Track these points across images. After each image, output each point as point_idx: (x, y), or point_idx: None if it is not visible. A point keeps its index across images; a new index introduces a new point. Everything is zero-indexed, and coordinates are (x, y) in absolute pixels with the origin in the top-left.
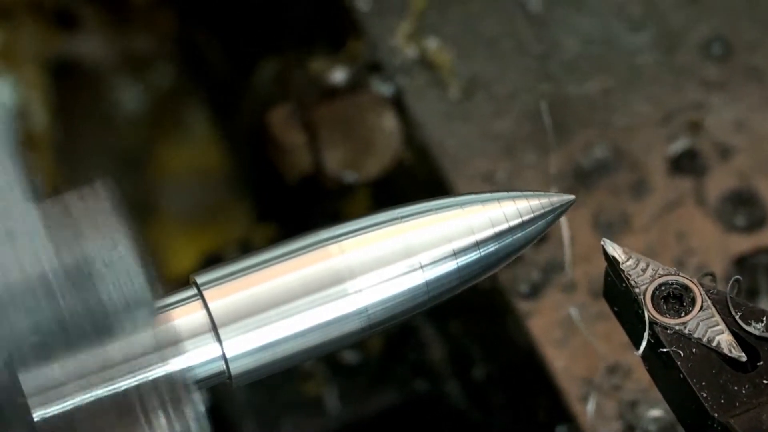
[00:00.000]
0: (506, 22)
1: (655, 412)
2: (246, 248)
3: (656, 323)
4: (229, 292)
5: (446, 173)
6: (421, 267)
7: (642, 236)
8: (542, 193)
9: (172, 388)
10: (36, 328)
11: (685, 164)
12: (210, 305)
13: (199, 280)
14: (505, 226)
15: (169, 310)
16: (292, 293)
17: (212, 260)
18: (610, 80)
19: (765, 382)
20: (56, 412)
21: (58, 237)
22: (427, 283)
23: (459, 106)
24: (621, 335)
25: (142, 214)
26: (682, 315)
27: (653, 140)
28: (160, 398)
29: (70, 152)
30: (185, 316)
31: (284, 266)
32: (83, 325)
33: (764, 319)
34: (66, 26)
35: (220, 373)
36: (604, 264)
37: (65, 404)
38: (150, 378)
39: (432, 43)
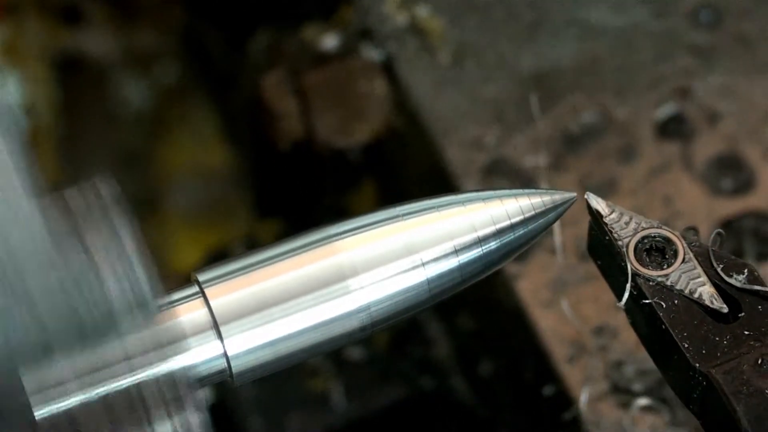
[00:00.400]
0: None
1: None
2: (251, 244)
3: (639, 275)
4: (231, 289)
5: (436, 138)
6: (423, 264)
7: (629, 200)
8: (544, 190)
9: (173, 386)
10: (37, 326)
11: (673, 129)
12: (212, 303)
13: (201, 277)
14: (506, 223)
15: (170, 307)
16: (294, 291)
17: (217, 257)
18: (599, 46)
19: (746, 333)
20: (58, 411)
21: (60, 234)
22: (429, 281)
23: (449, 72)
24: (608, 297)
25: (146, 210)
26: (665, 267)
27: (641, 105)
28: (161, 396)
29: (74, 148)
30: (187, 313)
31: (286, 264)
32: (84, 322)
33: (746, 271)
34: (71, 22)
35: (221, 371)
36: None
37: (67, 402)
38: (152, 376)
39: (422, 10)
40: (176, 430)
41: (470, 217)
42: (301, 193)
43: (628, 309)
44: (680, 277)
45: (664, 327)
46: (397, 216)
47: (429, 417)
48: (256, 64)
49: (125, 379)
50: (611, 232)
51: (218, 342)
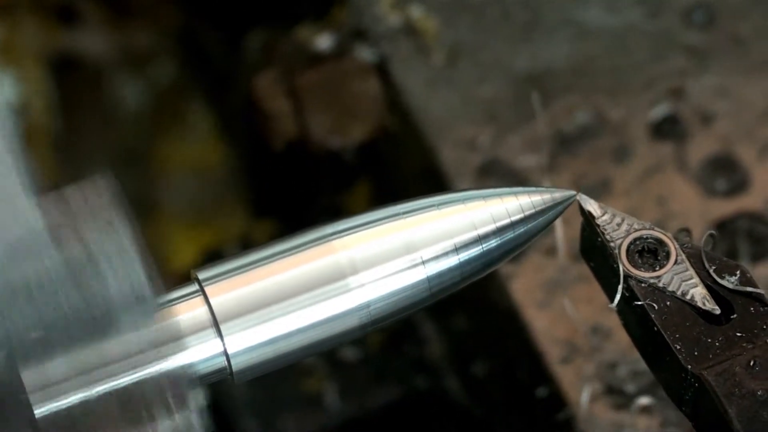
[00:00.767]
0: None
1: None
2: (246, 244)
3: (631, 277)
4: (231, 287)
5: (430, 139)
6: (423, 262)
7: (623, 200)
8: (544, 188)
9: (173, 384)
10: (37, 324)
11: (667, 129)
12: (211, 301)
13: (201, 275)
14: (506, 221)
15: (170, 306)
16: (294, 289)
17: (212, 256)
18: (593, 47)
19: (738, 334)
20: (58, 408)
21: (59, 232)
22: (429, 279)
23: (443, 72)
24: (602, 298)
25: (142, 210)
26: (657, 269)
27: (635, 106)
28: (161, 394)
29: (70, 148)
30: (187, 312)
31: (286, 262)
32: (84, 320)
33: (738, 272)
34: (67, 21)
35: (221, 369)
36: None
37: (67, 400)
38: (151, 374)
39: (416, 11)
40: (176, 428)
41: (470, 216)
42: (295, 193)
43: (621, 310)
44: (672, 278)
45: (656, 329)
46: (397, 214)
47: (424, 417)
48: (251, 64)
49: (125, 377)
50: (603, 234)
51: (218, 340)
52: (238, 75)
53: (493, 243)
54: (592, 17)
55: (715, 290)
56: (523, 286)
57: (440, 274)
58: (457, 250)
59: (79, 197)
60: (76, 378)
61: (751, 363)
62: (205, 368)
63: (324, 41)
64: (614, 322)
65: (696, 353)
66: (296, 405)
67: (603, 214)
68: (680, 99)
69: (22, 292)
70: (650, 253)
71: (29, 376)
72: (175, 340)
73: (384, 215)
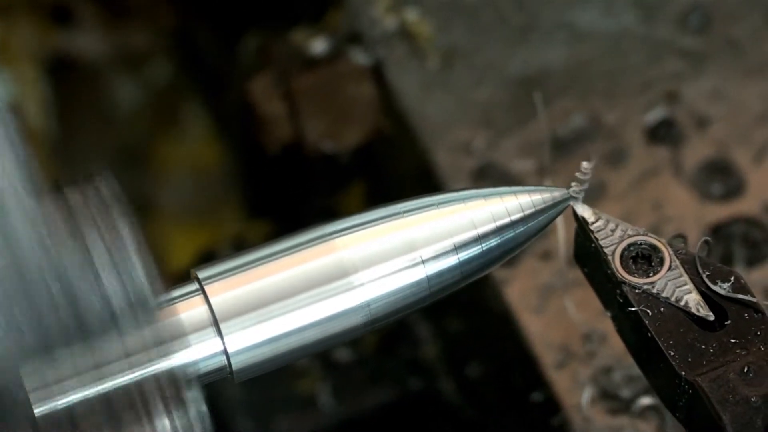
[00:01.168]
0: None
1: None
2: (241, 245)
3: (625, 283)
4: (231, 286)
5: (425, 142)
6: (423, 261)
7: (618, 205)
8: (544, 187)
9: (173, 383)
10: (38, 324)
11: (662, 133)
12: (211, 300)
13: (201, 274)
14: (506, 221)
15: (170, 305)
16: (294, 288)
17: (207, 257)
18: (588, 50)
19: (732, 341)
20: (58, 408)
21: (59, 232)
22: (429, 278)
23: (438, 76)
24: (597, 302)
25: (138, 210)
26: (651, 275)
27: (630, 110)
28: (161, 393)
29: (65, 148)
30: (187, 311)
31: (286, 260)
32: (85, 320)
33: (732, 279)
34: (62, 22)
35: (221, 368)
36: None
37: (67, 400)
38: (151, 373)
39: (411, 14)
40: (176, 427)
41: (470, 215)
42: (290, 195)
43: (615, 316)
44: (666, 284)
45: (650, 335)
46: (397, 213)
47: (418, 418)
48: (247, 67)
49: (125, 376)
50: (597, 240)
51: (218, 339)
52: (233, 77)
53: (492, 242)
54: (587, 21)
55: (709, 296)
56: (518, 290)
57: (440, 274)
58: (456, 249)
59: (79, 197)
60: (76, 377)
61: (745, 369)
62: (205, 367)
63: (319, 45)
64: (609, 327)
65: (690, 359)
66: (290, 406)
67: (597, 220)
68: (676, 103)
69: (21, 291)
70: (644, 259)
71: (29, 376)
72: (175, 339)
73: (383, 214)
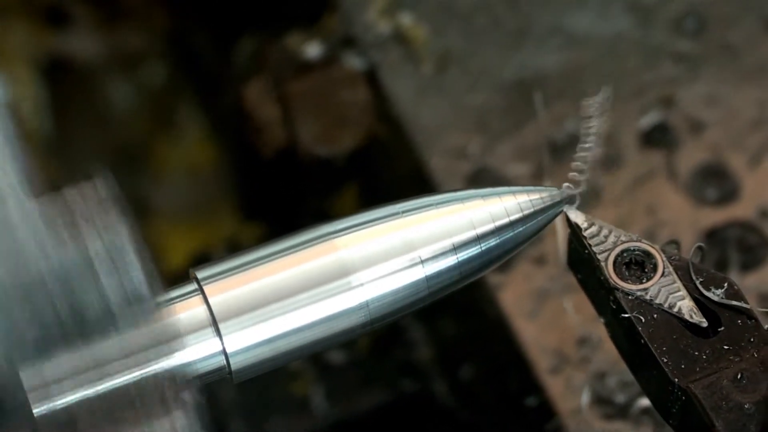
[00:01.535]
0: None
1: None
2: (234, 247)
3: (618, 289)
4: (230, 287)
5: (419, 147)
6: (422, 262)
7: (613, 209)
8: (543, 187)
9: (172, 383)
10: (37, 324)
11: (657, 138)
12: (210, 300)
13: (200, 275)
14: (505, 221)
15: (169, 305)
16: (293, 288)
17: (201, 258)
18: (583, 55)
19: (725, 347)
20: (57, 407)
21: (58, 232)
22: (428, 278)
23: (432, 80)
24: (591, 307)
25: (133, 211)
26: (644, 281)
27: (625, 114)
28: (160, 393)
29: (60, 150)
30: (185, 311)
31: (284, 261)
32: (83, 320)
33: (725, 285)
34: (57, 23)
35: (220, 369)
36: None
37: (66, 399)
38: (150, 373)
39: (406, 19)
40: (175, 427)
41: (469, 215)
42: (284, 198)
43: (608, 323)
44: (660, 291)
45: (643, 341)
46: (396, 213)
47: (411, 421)
48: (241, 71)
49: (124, 376)
50: (590, 246)
51: (217, 339)
52: (228, 80)
53: (491, 242)
54: (582, 25)
55: (702, 303)
56: (512, 295)
57: (439, 274)
58: (455, 249)
59: (78, 197)
60: (74, 377)
61: (738, 376)
62: (203, 367)
63: (313, 49)
64: (604, 331)
65: (683, 366)
66: (284, 408)
67: (590, 226)
68: (670, 107)
69: (20, 291)
70: (637, 265)
71: (28, 376)
72: (173, 339)
73: (382, 214)
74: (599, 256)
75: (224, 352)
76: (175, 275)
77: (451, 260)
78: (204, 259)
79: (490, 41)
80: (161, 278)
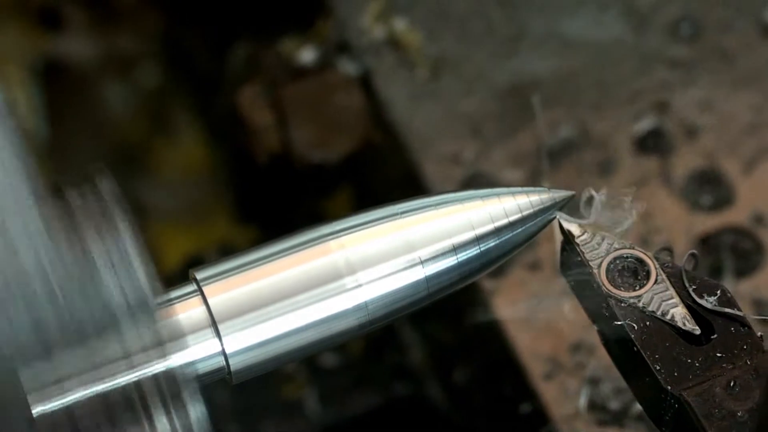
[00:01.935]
0: (475, 3)
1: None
2: (227, 250)
3: (611, 296)
4: (229, 287)
5: (413, 152)
6: (421, 262)
7: None
8: (542, 188)
9: (172, 384)
10: (36, 324)
11: (652, 143)
12: (209, 301)
13: (199, 275)
14: (504, 222)
15: (168, 305)
16: (293, 289)
17: (195, 261)
18: (577, 60)
19: (718, 355)
20: (56, 408)
21: (58, 233)
22: (427, 279)
23: (427, 86)
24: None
25: (129, 212)
26: (637, 288)
27: (620, 119)
28: (160, 394)
29: (55, 152)
30: (185, 311)
31: (284, 262)
32: (83, 320)
33: (718, 292)
34: (51, 26)
35: (219, 369)
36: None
37: (65, 400)
38: (150, 374)
39: (400, 24)
40: (175, 427)
41: (468, 216)
42: (278, 203)
43: (601, 330)
44: (652, 298)
45: (635, 348)
46: (395, 214)
47: (404, 423)
48: (235, 76)
49: (124, 376)
50: (583, 254)
51: (216, 340)
52: (222, 85)
53: (491, 243)
54: (577, 30)
55: (695, 310)
56: (506, 301)
57: (438, 275)
58: (455, 250)
59: (78, 198)
60: (74, 378)
61: (731, 383)
62: (203, 368)
63: (308, 54)
64: (597, 338)
65: (676, 374)
66: (277, 411)
67: (582, 233)
68: (665, 113)
69: (21, 292)
70: (630, 272)
71: (28, 376)
72: (173, 340)
73: (382, 215)
74: (592, 263)
75: (223, 352)
76: (168, 277)
77: (450, 261)
78: (198, 261)
79: (485, 47)
80: (160, 279)
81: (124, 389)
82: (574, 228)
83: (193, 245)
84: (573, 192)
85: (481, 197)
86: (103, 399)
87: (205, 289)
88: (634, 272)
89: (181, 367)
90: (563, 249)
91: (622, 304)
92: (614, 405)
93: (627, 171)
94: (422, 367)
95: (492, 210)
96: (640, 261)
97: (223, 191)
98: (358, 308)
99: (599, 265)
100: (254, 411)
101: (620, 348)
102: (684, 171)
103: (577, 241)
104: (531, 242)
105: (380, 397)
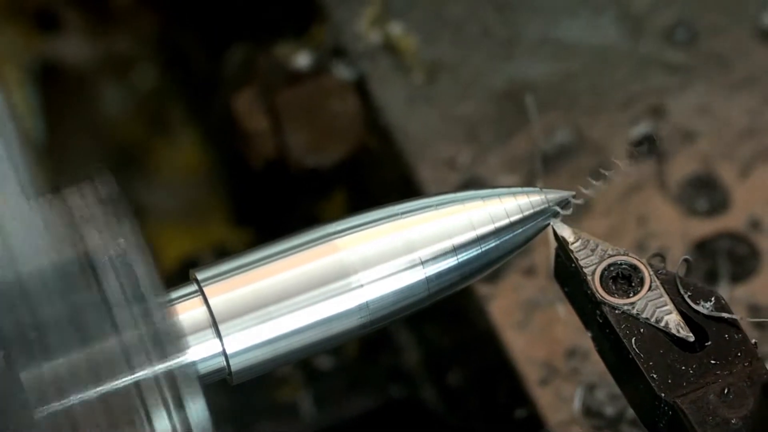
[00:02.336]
0: (471, 7)
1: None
2: (222, 252)
3: (605, 303)
4: (230, 288)
5: (409, 157)
6: (422, 263)
7: (603, 220)
8: (542, 189)
9: (172, 384)
10: (36, 325)
11: (647, 148)
12: (210, 301)
13: (200, 276)
14: (505, 222)
15: (169, 306)
16: (293, 289)
17: (191, 262)
18: (573, 65)
19: (712, 362)
20: (57, 409)
21: (59, 233)
22: (428, 279)
23: (422, 90)
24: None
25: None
26: (631, 295)
27: (615, 124)
28: (160, 394)
29: (52, 153)
30: (186, 312)
31: (285, 262)
32: (84, 321)
33: (712, 299)
34: (48, 28)
35: (220, 370)
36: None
37: (66, 400)
38: (151, 374)
39: (396, 28)
40: (175, 428)
41: (469, 216)
42: (274, 207)
43: (595, 336)
44: (646, 305)
45: (630, 356)
46: (396, 214)
47: (399, 426)
48: (231, 80)
49: (124, 377)
50: (577, 260)
51: (217, 340)
52: (218, 89)
53: (491, 243)
54: (572, 35)
55: (689, 317)
56: (501, 306)
57: (439, 275)
58: (455, 250)
59: (79, 198)
60: (75, 378)
61: (725, 391)
62: (204, 368)
63: (303, 59)
64: (592, 344)
65: (670, 381)
66: (272, 413)
67: (576, 240)
68: (661, 117)
69: (21, 292)
70: (624, 279)
71: (28, 377)
72: (174, 340)
73: (383, 215)
74: (586, 270)
75: (224, 353)
76: (165, 277)
77: (451, 261)
78: (194, 263)
79: (480, 51)
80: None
81: (124, 390)
82: (568, 234)
83: (189, 246)
84: (572, 192)
85: (482, 197)
86: (103, 400)
87: (205, 290)
88: (628, 279)
89: (181, 367)
90: (557, 255)
91: (616, 311)
92: (609, 411)
93: (623, 176)
94: (417, 369)
95: (492, 210)
96: (634, 268)
97: (220, 193)
98: (358, 308)
99: (593, 272)
100: (249, 413)
101: (614, 355)
102: (680, 176)
103: (571, 247)
104: (530, 243)
105: (375, 399)
